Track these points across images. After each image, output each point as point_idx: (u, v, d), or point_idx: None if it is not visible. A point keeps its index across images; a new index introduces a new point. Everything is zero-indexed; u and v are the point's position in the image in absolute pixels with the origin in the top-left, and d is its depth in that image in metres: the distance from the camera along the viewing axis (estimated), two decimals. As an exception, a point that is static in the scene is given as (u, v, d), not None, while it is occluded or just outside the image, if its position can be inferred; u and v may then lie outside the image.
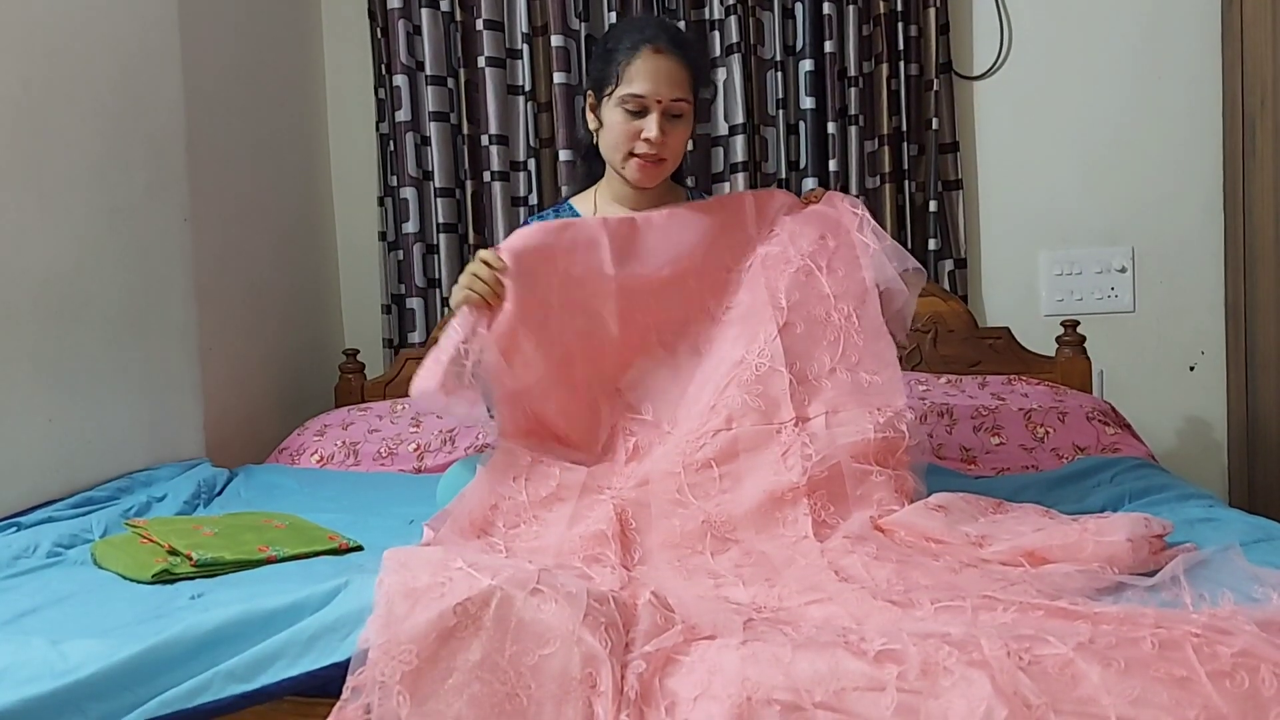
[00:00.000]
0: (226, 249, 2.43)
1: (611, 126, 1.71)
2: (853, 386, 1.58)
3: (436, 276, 2.78)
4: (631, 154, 1.70)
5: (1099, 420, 2.16)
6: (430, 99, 2.73)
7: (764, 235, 1.74)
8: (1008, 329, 2.56)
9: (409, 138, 2.75)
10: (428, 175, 2.77)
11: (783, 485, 1.49)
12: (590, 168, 1.87)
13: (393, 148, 2.78)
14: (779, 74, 2.66)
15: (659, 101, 1.67)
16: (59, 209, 1.91)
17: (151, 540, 1.59)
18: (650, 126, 1.67)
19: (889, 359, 1.61)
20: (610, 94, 1.70)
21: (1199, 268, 2.66)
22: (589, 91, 1.77)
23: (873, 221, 1.72)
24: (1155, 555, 1.33)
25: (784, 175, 2.67)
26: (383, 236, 2.86)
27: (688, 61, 1.71)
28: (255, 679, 1.07)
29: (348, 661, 1.05)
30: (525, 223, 1.81)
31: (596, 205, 1.81)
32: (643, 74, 1.67)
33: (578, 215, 1.80)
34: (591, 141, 1.80)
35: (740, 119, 2.63)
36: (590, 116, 1.77)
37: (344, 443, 2.37)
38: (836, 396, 1.58)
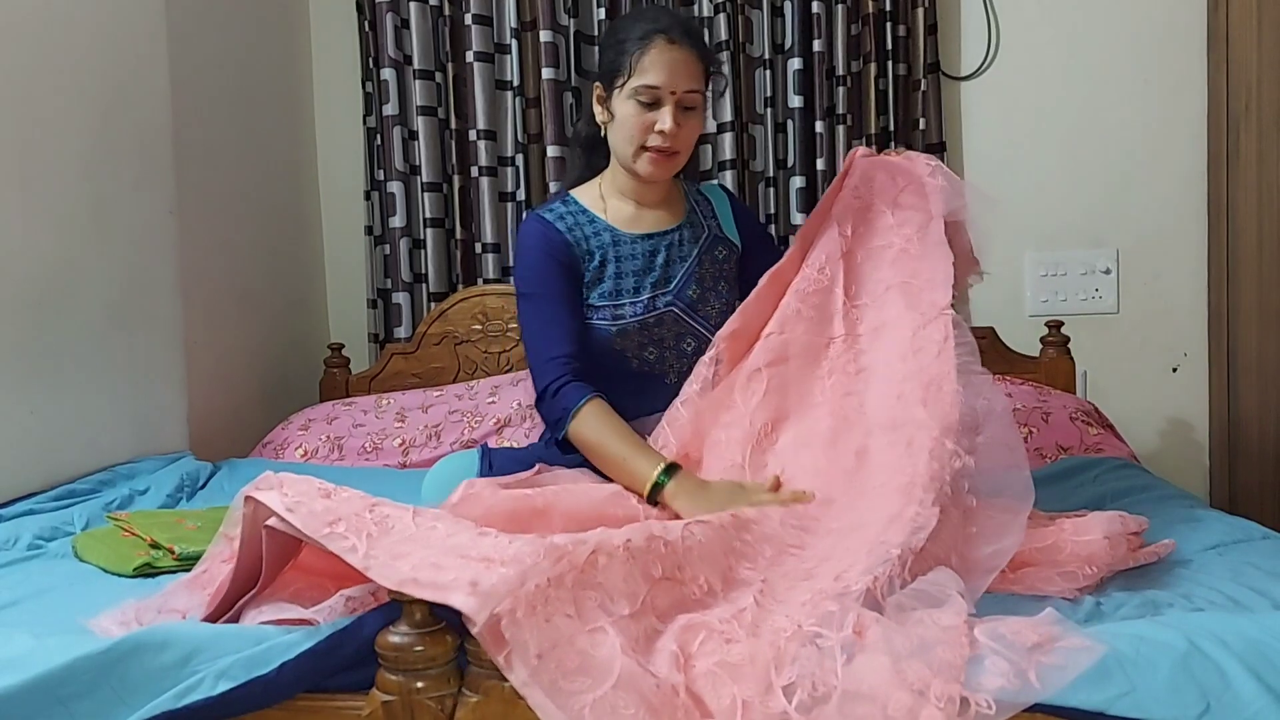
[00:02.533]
0: (212, 242, 2.41)
1: (624, 119, 1.67)
2: (903, 298, 1.60)
3: (423, 271, 2.78)
4: (644, 147, 1.66)
5: (1082, 421, 2.18)
6: (418, 93, 2.73)
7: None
8: (992, 329, 2.56)
9: (396, 132, 2.74)
10: (415, 170, 2.76)
11: (824, 404, 1.55)
12: (590, 160, 1.83)
13: (380, 142, 2.77)
14: (767, 72, 2.66)
15: (673, 93, 1.64)
16: (44, 201, 1.90)
17: (134, 533, 1.59)
18: (665, 118, 1.64)
19: (942, 267, 1.59)
20: (622, 85, 1.66)
21: (1182, 270, 2.68)
22: (597, 83, 1.73)
23: (946, 168, 1.70)
24: (1133, 553, 1.35)
25: (772, 174, 2.68)
26: (369, 231, 2.85)
27: (701, 53, 1.69)
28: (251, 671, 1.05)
29: (337, 645, 1.03)
30: (530, 214, 1.78)
31: (604, 199, 1.77)
32: (657, 65, 1.64)
33: (582, 208, 1.76)
34: (598, 134, 1.76)
35: (728, 117, 2.63)
36: (598, 109, 1.73)
37: (329, 437, 2.37)
38: (883, 313, 1.61)
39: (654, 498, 1.49)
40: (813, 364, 1.60)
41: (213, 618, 1.17)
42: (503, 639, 0.94)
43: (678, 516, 1.44)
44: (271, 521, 1.10)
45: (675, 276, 1.73)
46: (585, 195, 1.79)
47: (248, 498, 1.14)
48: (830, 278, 1.64)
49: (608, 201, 1.77)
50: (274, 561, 1.17)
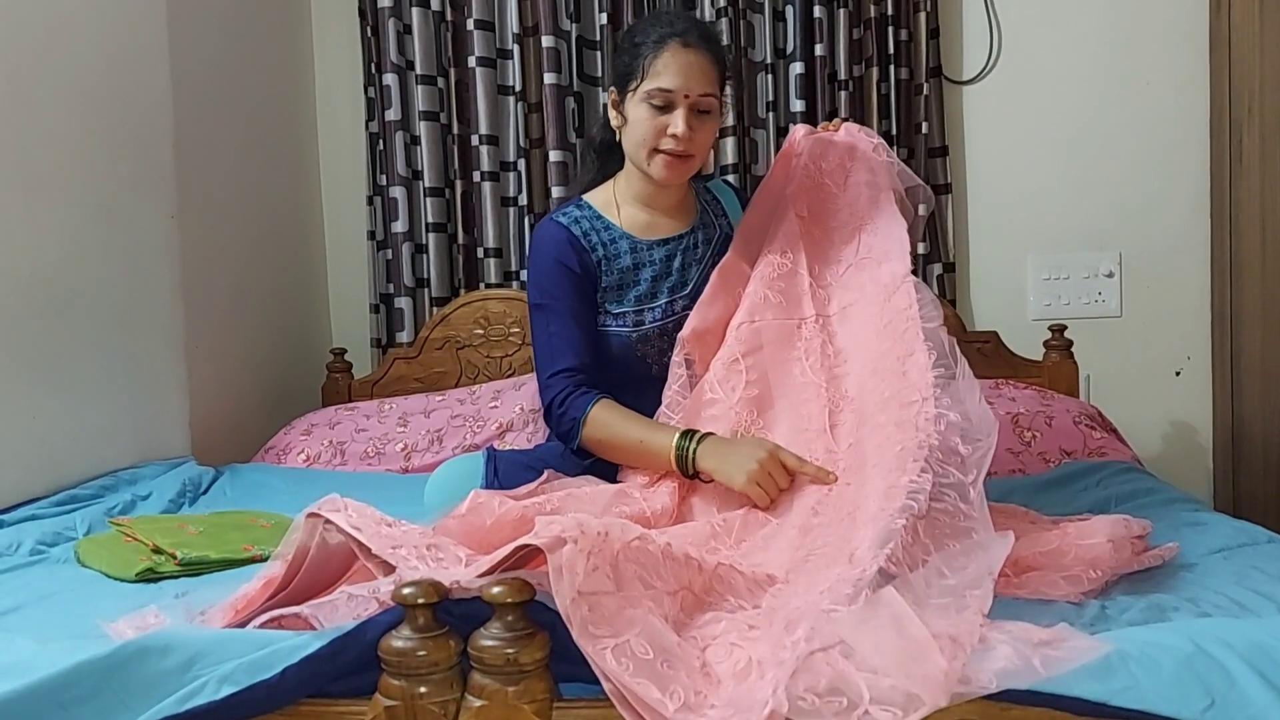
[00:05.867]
0: (213, 246, 2.41)
1: (637, 122, 1.66)
2: (863, 276, 1.63)
3: (425, 276, 2.78)
4: (657, 150, 1.66)
5: (1086, 424, 2.17)
6: (420, 98, 2.73)
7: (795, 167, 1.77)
8: (995, 333, 2.57)
9: (399, 137, 2.74)
10: (417, 175, 2.76)
11: (807, 385, 1.56)
12: (604, 165, 1.83)
13: (382, 147, 2.77)
14: (769, 76, 2.66)
15: (686, 96, 1.63)
16: (45, 205, 1.90)
17: (136, 539, 1.59)
18: (677, 122, 1.63)
19: (896, 235, 1.61)
20: (636, 89, 1.65)
21: (1185, 273, 2.68)
22: (611, 88, 1.73)
23: (887, 145, 1.73)
24: (1138, 556, 1.34)
25: (774, 178, 2.68)
26: (371, 235, 2.85)
27: (716, 56, 1.68)
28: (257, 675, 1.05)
29: (342, 649, 1.03)
30: (546, 219, 1.78)
31: (617, 203, 1.77)
32: (671, 68, 1.63)
33: (597, 214, 1.76)
34: (613, 139, 1.77)
35: (730, 121, 2.62)
36: (613, 113, 1.73)
37: (331, 442, 2.36)
38: (847, 294, 1.64)
39: (686, 469, 1.50)
40: (786, 347, 1.61)
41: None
42: (561, 571, 0.99)
43: (685, 514, 1.44)
44: (334, 520, 1.16)
45: (691, 280, 1.75)
46: (598, 199, 1.79)
47: (310, 514, 1.18)
48: (793, 260, 1.66)
49: (621, 208, 1.77)
50: (310, 581, 1.19)
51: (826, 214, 1.71)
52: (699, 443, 1.50)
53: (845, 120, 1.79)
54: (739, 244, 1.73)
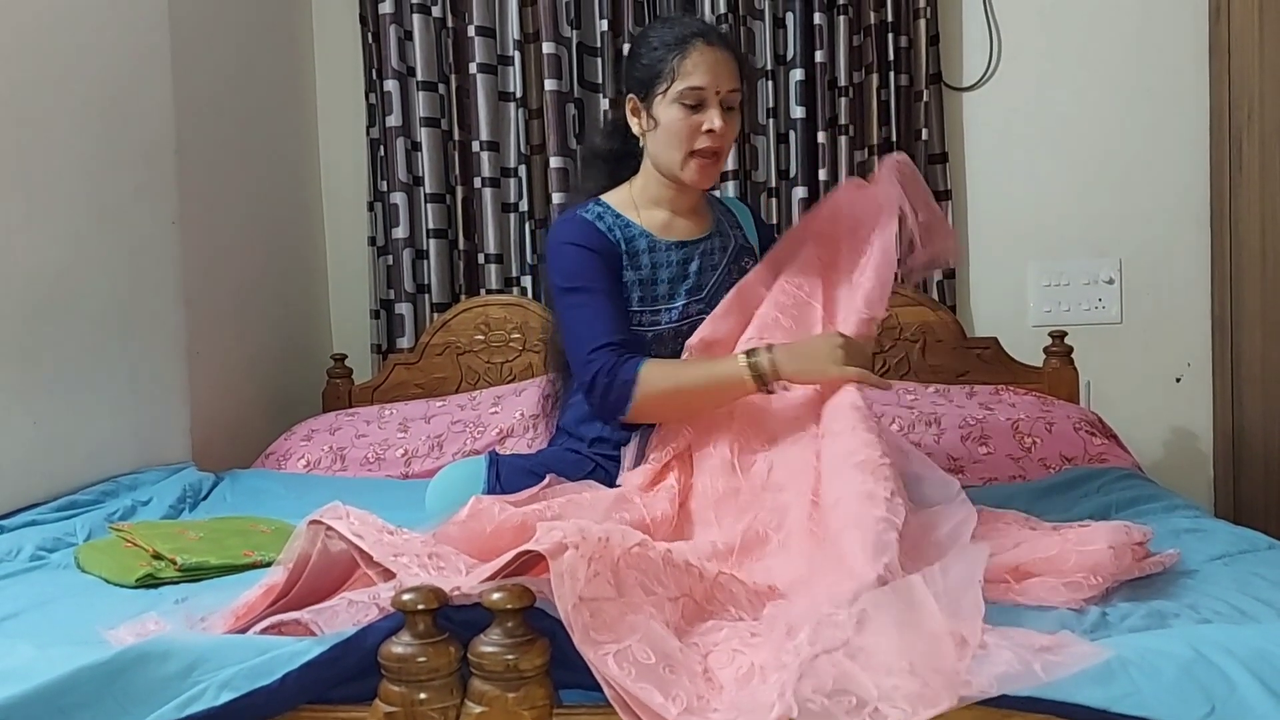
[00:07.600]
0: (215, 252, 2.42)
1: (670, 124, 1.68)
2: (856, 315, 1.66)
3: (426, 282, 2.78)
4: (692, 153, 1.68)
5: (1086, 431, 2.17)
6: (421, 104, 2.73)
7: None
8: (996, 339, 2.57)
9: (400, 143, 2.74)
10: (418, 181, 2.77)
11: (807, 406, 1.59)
12: (615, 171, 1.84)
13: (383, 153, 2.78)
14: (769, 83, 2.67)
15: (717, 93, 1.67)
16: (47, 210, 1.91)
17: (136, 544, 1.59)
18: (713, 118, 1.66)
19: (884, 275, 1.64)
20: (666, 90, 1.67)
21: (1186, 280, 2.68)
22: (630, 95, 1.74)
23: (911, 170, 1.72)
24: (1138, 563, 1.34)
25: (774, 184, 2.68)
26: (372, 241, 2.85)
27: (736, 54, 1.73)
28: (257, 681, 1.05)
29: (344, 653, 1.03)
30: (566, 214, 1.80)
31: (636, 205, 1.78)
32: (701, 66, 1.66)
33: (616, 212, 1.77)
34: (623, 146, 1.79)
35: (731, 127, 2.63)
36: (634, 120, 1.74)
37: (331, 448, 2.36)
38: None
39: (765, 381, 1.55)
40: None
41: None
42: (562, 577, 1.01)
43: (683, 533, 1.44)
44: (336, 528, 1.17)
45: (708, 285, 1.76)
46: (615, 200, 1.80)
47: (312, 522, 1.19)
48: (809, 294, 1.69)
49: (640, 210, 1.78)
50: (311, 588, 1.20)
51: (842, 262, 1.73)
52: (765, 356, 1.54)
53: (887, 157, 1.81)
54: (763, 269, 1.75)
